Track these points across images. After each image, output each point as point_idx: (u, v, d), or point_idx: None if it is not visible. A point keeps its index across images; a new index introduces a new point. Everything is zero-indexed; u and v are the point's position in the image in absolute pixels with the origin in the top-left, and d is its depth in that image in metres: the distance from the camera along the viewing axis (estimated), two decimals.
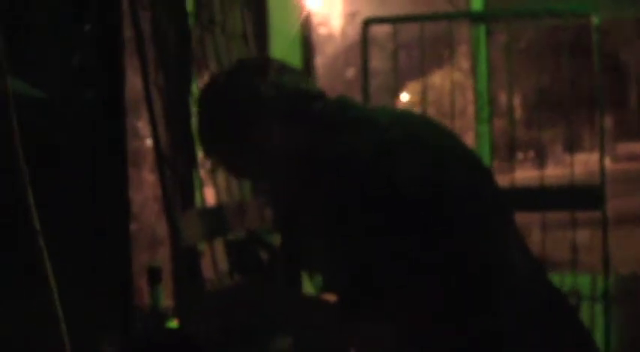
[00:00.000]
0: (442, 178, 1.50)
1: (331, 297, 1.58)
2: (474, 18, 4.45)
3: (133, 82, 2.32)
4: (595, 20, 3.80)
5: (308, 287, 2.06)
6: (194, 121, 2.61)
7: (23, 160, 0.97)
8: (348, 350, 1.61)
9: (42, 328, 1.07)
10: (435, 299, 1.46)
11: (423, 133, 1.59)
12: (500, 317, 1.49)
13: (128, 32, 2.25)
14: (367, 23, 3.86)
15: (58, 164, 1.43)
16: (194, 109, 2.61)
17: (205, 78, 2.79)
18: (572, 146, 4.50)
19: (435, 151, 1.54)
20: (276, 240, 1.81)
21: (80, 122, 1.51)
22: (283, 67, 1.66)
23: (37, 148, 1.10)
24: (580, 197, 3.83)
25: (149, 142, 2.71)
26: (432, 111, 4.27)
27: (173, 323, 1.86)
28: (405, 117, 1.70)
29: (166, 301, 2.26)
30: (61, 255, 1.10)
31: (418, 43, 4.00)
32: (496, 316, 1.49)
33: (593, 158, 5.53)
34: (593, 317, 3.69)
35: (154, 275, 1.86)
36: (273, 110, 1.59)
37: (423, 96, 4.08)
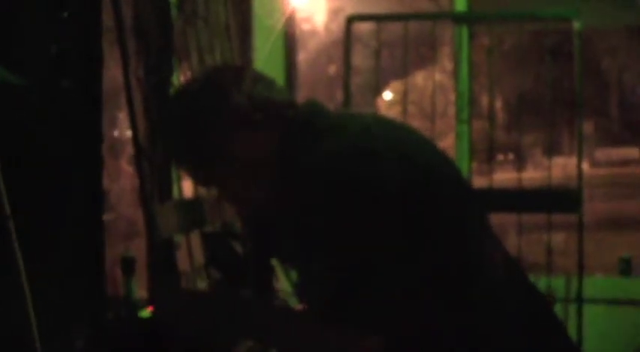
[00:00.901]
0: (417, 181, 1.50)
1: (303, 306, 1.57)
2: (457, 19, 4.46)
3: (113, 73, 2.31)
4: (577, 25, 3.83)
5: (283, 282, 2.07)
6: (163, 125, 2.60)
7: None
8: None
9: (10, 316, 1.07)
10: (416, 305, 1.47)
11: (393, 137, 1.59)
12: (479, 317, 1.50)
13: (109, 22, 2.24)
14: (350, 20, 3.87)
15: (33, 151, 1.42)
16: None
17: (186, 70, 2.78)
18: (551, 149, 4.52)
19: (408, 154, 1.54)
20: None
21: (57, 110, 1.50)
22: (256, 76, 1.66)
23: (11, 135, 1.10)
24: (557, 200, 3.85)
25: (128, 133, 2.70)
26: (413, 111, 4.28)
27: (145, 313, 1.86)
28: (375, 122, 1.70)
29: (141, 292, 2.26)
30: (34, 243, 1.10)
31: (401, 42, 4.00)
32: (475, 317, 1.50)
33: (571, 162, 5.57)
34: (566, 318, 3.72)
35: (128, 265, 1.86)
36: (248, 122, 1.58)
37: (404, 96, 4.09)
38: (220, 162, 1.60)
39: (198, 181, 1.86)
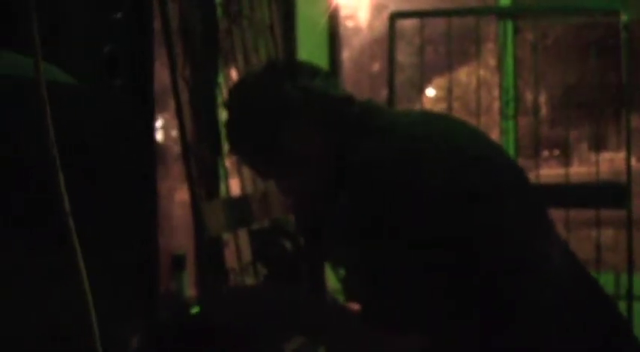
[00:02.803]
0: (466, 179, 1.49)
1: (355, 306, 1.58)
2: (501, 14, 4.43)
3: (160, 74, 2.34)
4: (624, 18, 3.77)
5: (331, 279, 2.07)
6: (221, 115, 2.63)
7: (54, 144, 0.98)
8: None
9: (71, 313, 1.09)
10: (465, 307, 1.46)
11: (447, 136, 1.58)
12: (533, 313, 1.49)
13: (156, 23, 2.26)
14: (394, 17, 3.86)
15: (87, 152, 1.45)
16: (220, 102, 2.63)
17: (232, 70, 2.81)
18: (598, 144, 4.46)
19: (460, 155, 1.53)
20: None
21: (110, 110, 1.53)
22: (314, 71, 1.66)
23: (65, 134, 1.12)
24: (605, 195, 3.81)
25: (174, 133, 2.73)
26: (457, 107, 4.26)
27: (196, 311, 1.88)
28: (431, 120, 1.69)
29: (189, 290, 2.28)
30: (91, 242, 1.12)
31: (445, 39, 3.99)
32: (529, 312, 1.49)
33: (618, 157, 5.49)
34: None
35: (179, 262, 1.88)
36: (301, 114, 1.59)
37: (448, 92, 4.07)
38: (275, 153, 1.62)
39: (255, 172, 1.89)
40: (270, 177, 1.76)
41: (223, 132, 2.72)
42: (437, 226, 1.44)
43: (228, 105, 1.70)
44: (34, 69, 1.00)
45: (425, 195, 1.44)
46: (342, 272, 1.78)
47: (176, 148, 2.62)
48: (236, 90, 1.72)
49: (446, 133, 1.60)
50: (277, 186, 1.76)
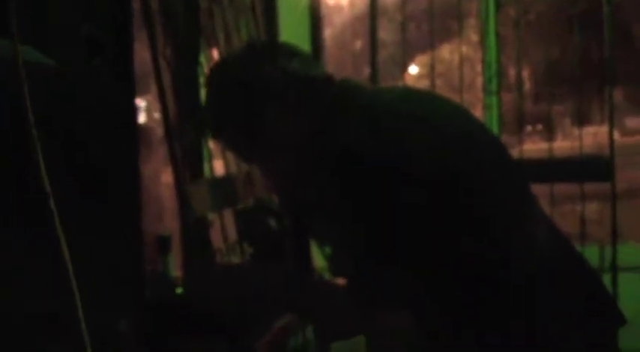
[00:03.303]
0: (449, 158, 1.49)
1: (341, 281, 1.59)
2: None
3: (141, 55, 2.32)
4: None
5: (318, 257, 2.07)
6: (202, 97, 2.62)
7: (34, 125, 0.97)
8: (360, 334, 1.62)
9: (56, 296, 1.09)
10: (450, 284, 1.46)
11: (429, 114, 1.58)
12: (519, 288, 1.50)
13: (136, 3, 2.24)
14: None
15: (68, 133, 1.43)
16: (202, 83, 2.62)
17: (213, 50, 2.79)
18: (582, 119, 4.48)
19: (441, 131, 1.53)
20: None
21: (89, 92, 1.52)
22: (292, 52, 1.65)
23: (46, 117, 1.11)
24: (589, 168, 3.82)
25: (156, 115, 2.72)
26: (440, 84, 4.26)
27: (181, 292, 1.88)
28: (411, 97, 1.69)
29: (176, 272, 2.28)
30: (73, 224, 1.11)
31: (427, 15, 3.98)
32: (514, 288, 1.49)
33: (602, 131, 5.52)
34: None
35: (164, 244, 1.88)
36: (280, 95, 1.58)
37: (431, 69, 4.06)
38: (255, 135, 1.61)
39: (236, 154, 1.88)
40: (250, 159, 1.75)
41: (203, 119, 2.71)
42: (420, 205, 1.44)
43: (207, 88, 1.69)
44: (11, 50, 0.99)
45: (408, 174, 1.44)
46: (327, 250, 1.78)
47: (159, 130, 2.61)
48: (215, 72, 1.71)
49: (428, 111, 1.60)
50: (258, 168, 1.75)
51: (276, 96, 1.58)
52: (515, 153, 4.07)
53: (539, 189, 1.74)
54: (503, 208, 1.54)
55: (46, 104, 1.22)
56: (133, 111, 1.65)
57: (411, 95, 1.72)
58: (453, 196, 1.46)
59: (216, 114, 1.66)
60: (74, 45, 1.45)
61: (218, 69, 1.72)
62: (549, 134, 5.02)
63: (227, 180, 2.65)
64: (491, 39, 4.49)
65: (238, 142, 1.67)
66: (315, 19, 3.83)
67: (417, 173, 1.44)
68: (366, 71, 4.02)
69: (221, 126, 1.66)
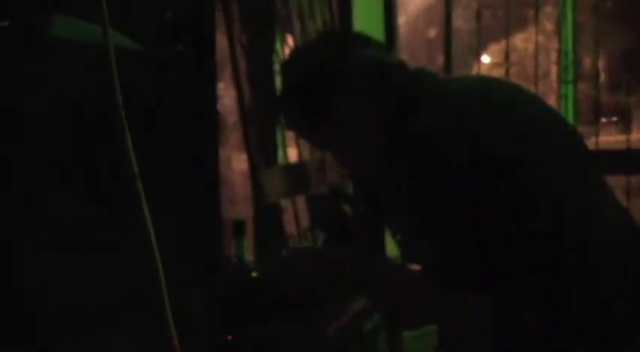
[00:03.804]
0: (522, 144, 1.48)
1: (415, 267, 1.59)
2: None
3: (217, 42, 2.35)
4: None
5: (391, 246, 2.08)
6: (278, 84, 2.65)
7: (121, 108, 1.00)
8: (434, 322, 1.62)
9: (140, 273, 1.12)
10: (521, 267, 1.46)
11: (500, 102, 1.57)
12: (580, 275, 1.48)
13: None
14: None
15: (152, 116, 1.47)
16: (278, 70, 2.64)
17: (288, 37, 2.81)
18: None
19: (515, 118, 1.53)
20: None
21: (172, 76, 1.55)
22: (367, 39, 1.67)
23: (132, 99, 1.14)
24: None
25: (227, 102, 2.75)
26: (514, 73, 4.21)
27: (256, 275, 1.90)
28: (484, 84, 1.69)
29: (249, 256, 2.31)
30: (158, 204, 1.14)
31: (502, 3, 3.93)
32: (575, 274, 1.48)
33: None
34: None
35: (239, 228, 1.90)
36: (355, 82, 1.60)
37: (506, 58, 4.01)
38: (330, 122, 1.62)
39: (312, 143, 1.90)
40: (325, 146, 1.77)
41: (279, 106, 2.74)
42: (494, 191, 1.44)
43: (284, 76, 1.71)
44: (102, 35, 1.02)
45: (480, 161, 1.44)
46: (399, 236, 1.78)
47: (231, 117, 2.64)
48: (291, 60, 1.74)
49: (501, 98, 1.59)
50: (333, 156, 1.77)
51: (352, 84, 1.59)
52: (590, 144, 4.01)
53: (615, 181, 1.71)
54: (573, 196, 1.53)
55: (132, 87, 1.25)
56: (214, 96, 1.68)
57: (483, 83, 1.72)
58: (524, 181, 1.46)
59: (292, 102, 1.68)
60: (158, 30, 1.48)
61: (294, 57, 1.75)
62: (626, 125, 4.92)
63: (300, 166, 2.66)
64: (568, 26, 4.42)
65: (314, 130, 1.69)
66: (390, 6, 3.82)
67: (492, 158, 1.44)
68: (440, 59, 3.99)
69: (297, 115, 1.68)
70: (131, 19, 1.40)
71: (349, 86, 1.60)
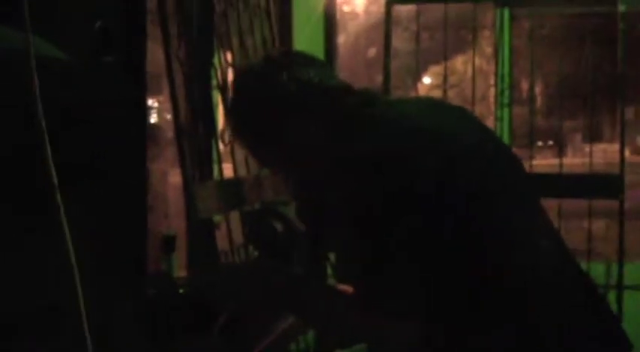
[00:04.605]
0: (456, 174, 1.49)
1: (347, 288, 1.59)
2: (498, 2, 4.42)
3: (155, 56, 2.32)
4: (622, 8, 3.76)
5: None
6: (215, 98, 2.64)
7: (42, 117, 0.97)
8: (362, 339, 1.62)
9: (59, 290, 1.09)
10: (451, 293, 1.46)
11: (442, 127, 1.59)
12: (516, 292, 1.49)
13: (151, 4, 2.25)
14: (390, 3, 3.84)
15: (76, 127, 1.44)
16: (215, 85, 2.63)
17: (227, 53, 2.79)
18: (593, 135, 4.47)
19: (452, 146, 1.54)
20: (291, 212, 1.83)
21: (100, 88, 1.52)
22: (309, 61, 1.67)
23: (55, 109, 1.11)
24: (598, 185, 3.81)
25: (168, 116, 2.72)
26: (452, 96, 4.26)
27: (184, 291, 1.88)
28: (425, 110, 1.70)
29: (180, 272, 2.28)
30: (78, 217, 1.11)
31: (441, 25, 3.98)
32: (511, 292, 1.49)
33: (612, 148, 5.50)
34: None
35: (169, 243, 1.88)
36: (297, 106, 1.61)
37: (444, 80, 4.06)
38: (275, 144, 1.63)
39: (258, 162, 1.93)
40: (271, 166, 1.79)
41: (218, 115, 2.74)
42: (426, 216, 1.44)
43: (231, 99, 1.74)
44: (24, 42, 0.99)
45: (414, 187, 1.45)
46: (334, 256, 1.78)
47: (171, 132, 2.61)
48: (235, 84, 1.76)
49: (441, 123, 1.61)
50: (279, 175, 1.78)
51: (293, 107, 1.61)
52: (525, 167, 4.06)
53: (547, 204, 1.74)
54: (510, 220, 1.54)
55: (55, 97, 1.22)
56: (143, 108, 1.66)
57: (427, 107, 1.73)
58: (460, 206, 1.46)
59: (238, 123, 1.69)
60: (87, 40, 1.46)
61: (238, 81, 1.77)
62: (560, 149, 5.02)
63: (235, 182, 2.65)
64: (505, 51, 4.49)
65: (260, 150, 1.70)
66: (330, 25, 3.83)
67: (424, 184, 1.45)
68: (379, 79, 4.02)
69: (244, 136, 1.70)
70: (60, 28, 1.37)
71: (290, 109, 1.61)
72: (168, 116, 2.68)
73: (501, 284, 1.48)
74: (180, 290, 1.82)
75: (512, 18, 4.49)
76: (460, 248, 1.46)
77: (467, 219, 1.47)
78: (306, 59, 1.68)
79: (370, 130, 1.55)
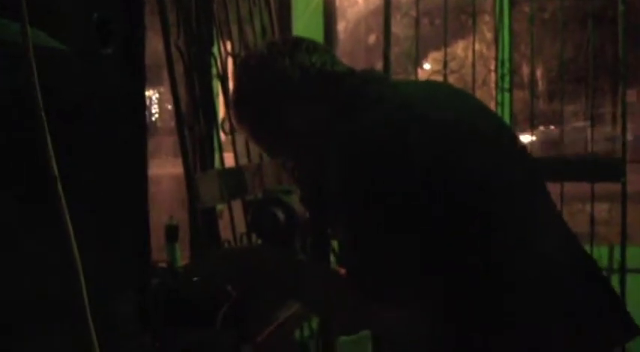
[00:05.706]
0: (451, 155, 1.49)
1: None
2: None
3: (155, 46, 2.32)
4: None
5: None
6: (215, 87, 2.63)
7: (42, 110, 0.97)
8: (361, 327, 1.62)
9: (60, 278, 1.09)
10: (451, 274, 1.46)
11: (440, 109, 1.58)
12: (515, 282, 1.49)
13: None
14: None
15: (76, 119, 1.44)
16: (215, 74, 2.63)
17: (226, 42, 2.79)
18: (594, 119, 4.46)
19: (448, 128, 1.53)
20: (294, 200, 1.83)
21: (98, 78, 1.52)
22: (312, 47, 1.67)
23: (54, 100, 1.11)
24: (600, 168, 3.80)
25: (169, 107, 2.72)
26: (453, 81, 4.24)
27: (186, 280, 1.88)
28: (426, 91, 1.70)
29: (182, 262, 2.28)
30: (80, 208, 1.11)
31: (441, 11, 3.96)
32: (510, 281, 1.49)
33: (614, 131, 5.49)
34: None
35: (171, 233, 1.88)
36: (299, 91, 1.61)
37: (444, 66, 4.04)
38: (279, 131, 1.64)
39: (261, 149, 1.93)
40: (274, 153, 1.79)
41: (219, 105, 2.74)
42: (418, 195, 1.44)
43: (234, 86, 1.74)
44: (21, 33, 0.99)
45: (407, 166, 1.44)
46: (338, 243, 1.78)
47: (172, 122, 2.61)
48: (238, 70, 1.76)
49: (439, 107, 1.60)
50: (281, 162, 1.79)
51: (295, 93, 1.61)
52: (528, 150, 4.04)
53: (550, 188, 1.74)
54: (509, 203, 1.54)
55: (54, 88, 1.22)
56: (143, 99, 1.65)
57: (430, 90, 1.73)
58: (456, 189, 1.46)
59: (240, 110, 1.69)
60: (85, 31, 1.45)
61: (240, 67, 1.76)
62: (561, 133, 5.01)
63: (237, 171, 2.65)
64: (505, 36, 4.48)
65: (262, 136, 1.71)
66: (329, 12, 3.82)
67: (420, 167, 1.44)
68: (379, 66, 4.00)
69: (246, 122, 1.70)
70: (58, 19, 1.37)
71: (292, 95, 1.62)
72: (169, 106, 2.67)
73: (504, 272, 1.48)
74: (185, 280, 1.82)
75: (512, 2, 4.48)
76: (460, 231, 1.46)
77: (467, 202, 1.47)
78: (309, 45, 1.68)
79: (363, 111, 1.55)
